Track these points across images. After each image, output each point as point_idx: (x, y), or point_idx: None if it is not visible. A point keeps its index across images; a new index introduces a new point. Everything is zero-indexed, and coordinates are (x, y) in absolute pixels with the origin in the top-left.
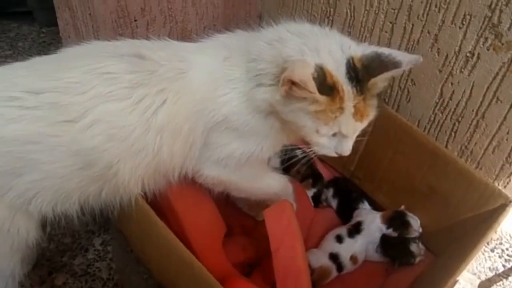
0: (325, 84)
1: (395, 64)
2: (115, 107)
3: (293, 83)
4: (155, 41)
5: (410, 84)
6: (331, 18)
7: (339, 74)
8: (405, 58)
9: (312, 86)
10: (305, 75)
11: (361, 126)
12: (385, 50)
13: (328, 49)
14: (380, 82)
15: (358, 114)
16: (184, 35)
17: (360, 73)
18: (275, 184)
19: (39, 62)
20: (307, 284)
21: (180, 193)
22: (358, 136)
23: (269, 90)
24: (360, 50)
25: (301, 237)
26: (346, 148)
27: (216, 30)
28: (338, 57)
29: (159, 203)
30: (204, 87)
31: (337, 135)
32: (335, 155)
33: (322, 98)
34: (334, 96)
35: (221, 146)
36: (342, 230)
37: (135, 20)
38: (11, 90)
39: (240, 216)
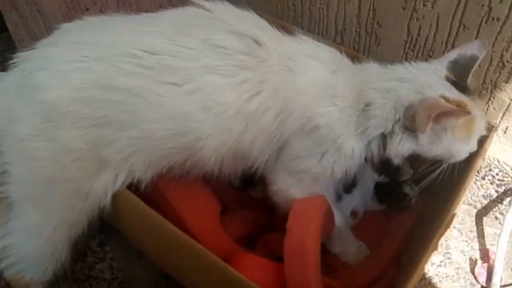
0: None
1: (474, 59)
2: (219, 81)
3: (435, 118)
4: (274, 29)
5: (377, 26)
6: None
7: (453, 94)
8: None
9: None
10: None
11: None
12: (450, 56)
13: (430, 80)
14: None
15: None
16: None
17: (461, 84)
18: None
19: (160, 19)
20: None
21: (169, 180)
22: None
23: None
24: (442, 67)
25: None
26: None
27: (171, 5)
28: (440, 82)
29: (149, 194)
30: (305, 92)
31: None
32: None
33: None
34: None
35: (299, 157)
36: (338, 187)
37: (87, 9)
38: (133, 48)
39: (232, 191)
